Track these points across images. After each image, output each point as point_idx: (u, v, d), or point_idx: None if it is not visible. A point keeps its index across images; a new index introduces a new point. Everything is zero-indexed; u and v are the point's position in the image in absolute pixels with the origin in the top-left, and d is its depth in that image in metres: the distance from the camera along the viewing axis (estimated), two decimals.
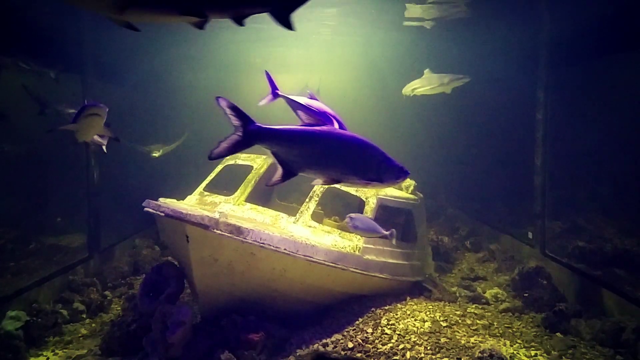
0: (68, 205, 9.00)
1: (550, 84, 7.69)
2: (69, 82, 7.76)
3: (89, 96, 7.49)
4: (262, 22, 8.27)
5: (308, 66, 12.23)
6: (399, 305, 5.77)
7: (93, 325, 6.02)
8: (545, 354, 5.02)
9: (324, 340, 5.01)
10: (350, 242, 5.58)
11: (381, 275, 5.84)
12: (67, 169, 8.90)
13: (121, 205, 8.66)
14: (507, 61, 9.75)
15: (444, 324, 5.27)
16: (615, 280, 6.31)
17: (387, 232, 4.92)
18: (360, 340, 4.96)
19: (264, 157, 6.89)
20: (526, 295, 6.69)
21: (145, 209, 5.13)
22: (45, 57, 7.10)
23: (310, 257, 5.04)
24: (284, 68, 12.66)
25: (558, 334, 5.65)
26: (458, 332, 5.15)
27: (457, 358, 4.56)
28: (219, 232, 4.60)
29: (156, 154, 10.25)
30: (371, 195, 6.00)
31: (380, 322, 5.27)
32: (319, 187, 5.96)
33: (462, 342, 4.89)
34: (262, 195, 7.23)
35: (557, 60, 7.63)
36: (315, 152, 2.85)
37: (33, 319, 5.48)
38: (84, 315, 6.21)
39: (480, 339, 5.03)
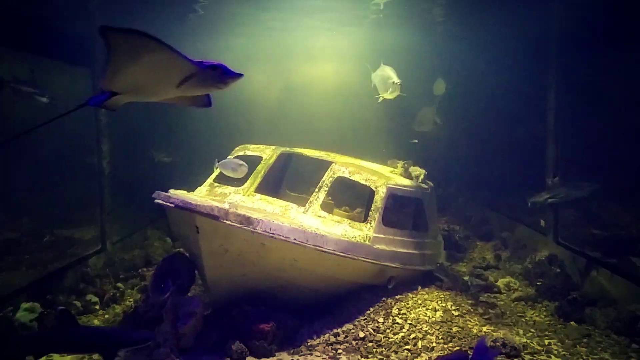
0: (81, 198, 9.07)
1: (561, 71, 7.53)
2: (80, 75, 7.79)
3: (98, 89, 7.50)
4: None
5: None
6: (410, 295, 5.73)
7: (106, 316, 6.07)
8: (559, 343, 4.94)
9: (335, 330, 5.00)
10: (360, 232, 5.53)
11: (392, 265, 5.79)
12: (79, 162, 8.96)
13: (133, 198, 8.70)
14: (517, 49, 9.55)
15: (456, 313, 5.22)
16: (630, 268, 6.19)
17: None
18: (371, 330, 4.94)
19: (273, 147, 6.86)
20: (539, 283, 6.61)
21: (156, 200, 5.12)
22: (56, 51, 7.12)
23: (320, 246, 5.00)
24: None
25: (572, 322, 5.57)
26: (470, 321, 5.10)
27: (469, 347, 4.51)
28: (228, 222, 4.58)
29: None
30: (381, 185, 5.93)
31: (391, 312, 5.24)
32: (328, 177, 5.91)
33: (474, 331, 4.83)
34: (272, 186, 7.20)
35: (568, 48, 7.45)
36: None
37: (47, 311, 5.52)
38: (97, 307, 6.26)
39: (492, 328, 4.97)
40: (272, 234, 4.75)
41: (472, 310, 5.41)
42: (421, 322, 4.99)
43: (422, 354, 4.50)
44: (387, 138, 10.86)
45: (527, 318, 5.66)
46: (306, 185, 8.25)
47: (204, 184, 6.60)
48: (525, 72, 9.48)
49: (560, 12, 7.53)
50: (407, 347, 4.62)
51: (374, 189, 5.92)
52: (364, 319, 5.17)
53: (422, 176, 7.14)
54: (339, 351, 4.68)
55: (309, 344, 4.85)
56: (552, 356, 4.57)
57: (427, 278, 6.59)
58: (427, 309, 5.29)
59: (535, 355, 4.53)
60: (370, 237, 5.56)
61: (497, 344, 4.45)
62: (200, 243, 4.69)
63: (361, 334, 4.88)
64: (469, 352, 3.36)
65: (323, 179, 5.91)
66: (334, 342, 4.82)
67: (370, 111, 11.19)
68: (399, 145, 9.88)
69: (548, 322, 5.62)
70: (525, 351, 4.56)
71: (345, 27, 10.75)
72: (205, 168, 6.92)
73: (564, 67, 7.56)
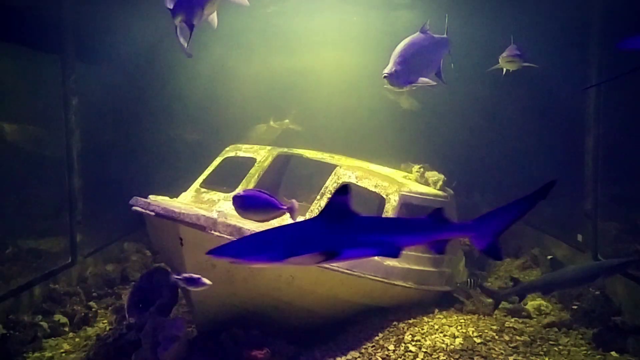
0: (48, 204, 9.16)
1: (603, 61, 7.54)
2: (47, 63, 7.89)
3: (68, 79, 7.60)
4: None
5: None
6: (425, 319, 5.76)
7: (77, 339, 6.12)
8: None
9: (338, 359, 5.03)
10: None
11: (404, 284, 5.83)
12: (46, 165, 9.04)
13: (108, 204, 8.77)
14: (554, 37, 9.58)
15: (478, 341, 5.25)
16: None
17: (285, 207, 4.34)
18: (380, 359, 4.97)
19: (269, 147, 6.93)
20: (575, 307, 6.61)
21: (133, 207, 5.19)
22: (21, 36, 7.21)
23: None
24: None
25: (613, 352, 5.57)
26: (494, 349, 5.12)
27: None
28: (217, 233, 4.64)
29: None
30: (393, 192, 5.98)
31: (403, 338, 5.27)
32: (332, 183, 5.96)
33: None
34: (267, 192, 7.26)
35: (612, 34, 7.47)
36: None
37: (10, 332, 5.59)
38: (67, 329, 6.32)
39: (520, 358, 4.99)
40: None
41: (496, 337, 5.43)
42: (438, 351, 5.02)
43: None
44: (402, 137, 10.91)
45: (560, 347, 5.67)
46: (306, 191, 8.33)
47: (189, 189, 6.67)
48: (563, 63, 9.51)
49: None
50: None
51: (385, 196, 5.96)
52: (372, 347, 5.20)
53: (440, 182, 7.18)
54: None
55: None
56: None
57: (446, 300, 6.61)
58: (444, 335, 5.32)
59: None
60: None
61: None
62: (185, 257, 4.74)
63: None
64: None
65: (326, 185, 5.96)
66: None
67: (381, 105, 11.25)
68: (415, 146, 9.94)
69: (584, 351, 5.63)
70: None
71: (356, 10, 10.84)
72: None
73: (607, 57, 7.57)
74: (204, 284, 4.29)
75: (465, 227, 3.28)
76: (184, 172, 7.47)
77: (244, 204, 4.40)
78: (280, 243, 2.87)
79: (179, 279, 4.27)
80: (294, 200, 4.47)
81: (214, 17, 4.88)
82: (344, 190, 2.97)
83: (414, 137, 10.92)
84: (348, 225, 2.96)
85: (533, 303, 7.03)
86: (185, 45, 4.71)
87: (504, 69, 6.93)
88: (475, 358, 4.90)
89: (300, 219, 5.69)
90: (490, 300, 7.16)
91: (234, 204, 4.46)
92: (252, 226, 4.93)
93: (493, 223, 3.13)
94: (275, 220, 5.60)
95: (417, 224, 3.40)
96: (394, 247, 3.05)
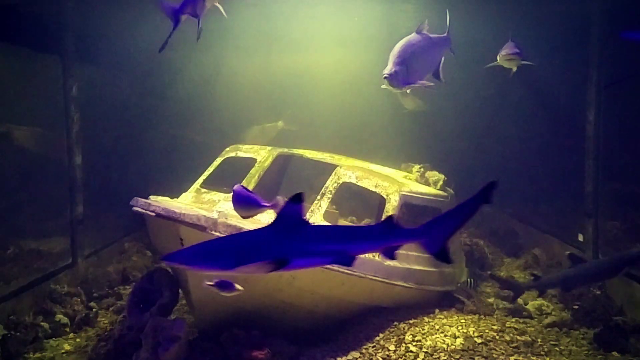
0: (49, 205, 9.15)
1: (604, 59, 7.53)
2: (48, 64, 7.88)
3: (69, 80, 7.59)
4: None
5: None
6: (426, 319, 5.75)
7: (77, 340, 6.13)
8: None
9: (339, 359, 5.03)
10: None
11: (405, 284, 5.82)
12: (48, 165, 9.03)
13: (108, 205, 8.76)
14: (558, 36, 9.56)
15: (479, 341, 5.24)
16: None
17: (268, 203, 4.32)
18: (380, 359, 4.96)
19: (269, 148, 6.92)
20: (576, 307, 6.60)
21: (134, 208, 5.18)
22: (21, 37, 7.21)
23: None
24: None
25: (614, 352, 5.57)
26: (495, 350, 5.11)
27: None
28: (217, 234, 4.63)
29: None
30: (393, 192, 5.97)
31: (404, 338, 5.26)
32: (332, 183, 5.95)
33: None
34: (267, 193, 7.24)
35: (613, 32, 7.46)
36: None
37: (11, 333, 5.58)
38: (68, 329, 6.32)
39: (521, 358, 4.98)
40: None
41: (497, 337, 5.42)
42: (438, 351, 5.01)
43: None
44: (402, 137, 10.89)
45: (561, 347, 5.66)
46: (307, 191, 8.29)
47: (189, 190, 6.66)
48: (563, 63, 9.49)
49: None
50: None
51: (385, 196, 5.96)
52: (373, 347, 5.19)
53: (441, 182, 7.17)
54: None
55: None
56: None
57: (446, 300, 6.60)
58: (445, 336, 5.31)
59: None
60: None
61: None
62: None
63: None
64: None
65: (326, 185, 5.95)
66: None
67: (382, 105, 11.22)
68: (415, 146, 9.92)
69: (586, 351, 5.62)
70: None
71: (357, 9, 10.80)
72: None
73: (608, 56, 7.55)
74: (236, 289, 4.27)
75: (415, 232, 3.31)
76: (185, 172, 7.46)
77: (233, 200, 4.39)
78: (231, 251, 2.86)
79: (211, 284, 4.26)
80: (279, 197, 4.43)
81: (220, 7, 4.87)
82: (296, 198, 3.00)
83: (414, 137, 10.90)
84: (299, 234, 3.00)
85: (534, 303, 7.03)
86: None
87: (512, 69, 6.90)
88: (476, 358, 4.88)
89: None
90: (490, 300, 7.17)
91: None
92: (253, 226, 4.92)
93: (442, 228, 3.19)
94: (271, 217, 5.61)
95: (368, 232, 3.48)
96: (346, 256, 3.08)
